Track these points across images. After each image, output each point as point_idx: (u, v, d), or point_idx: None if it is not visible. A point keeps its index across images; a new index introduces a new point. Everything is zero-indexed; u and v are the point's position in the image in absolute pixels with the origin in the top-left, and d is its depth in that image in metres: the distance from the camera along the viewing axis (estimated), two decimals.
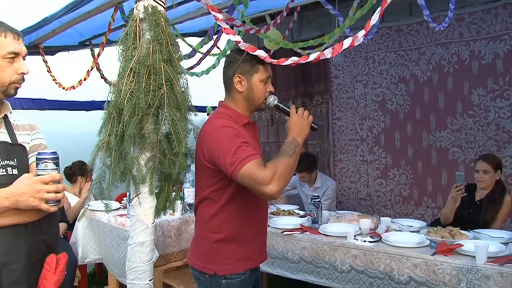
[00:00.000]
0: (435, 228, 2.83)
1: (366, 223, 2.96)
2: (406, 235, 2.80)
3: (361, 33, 1.63)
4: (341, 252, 2.75)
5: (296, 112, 1.90)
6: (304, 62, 1.71)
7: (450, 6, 3.15)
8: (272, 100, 2.00)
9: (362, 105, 5.01)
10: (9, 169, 1.53)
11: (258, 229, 2.09)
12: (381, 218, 3.19)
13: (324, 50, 1.71)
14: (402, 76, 4.65)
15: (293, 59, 1.73)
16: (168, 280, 3.41)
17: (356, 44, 1.65)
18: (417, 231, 2.94)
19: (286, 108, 1.97)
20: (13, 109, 1.70)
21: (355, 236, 2.81)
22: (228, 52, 3.27)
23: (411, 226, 3.05)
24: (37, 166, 1.49)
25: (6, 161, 1.53)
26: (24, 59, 1.60)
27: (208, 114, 5.84)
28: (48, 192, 1.46)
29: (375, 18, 1.62)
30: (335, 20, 4.07)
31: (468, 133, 4.22)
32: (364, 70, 4.97)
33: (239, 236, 1.98)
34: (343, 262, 2.74)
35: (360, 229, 2.95)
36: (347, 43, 1.65)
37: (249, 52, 1.85)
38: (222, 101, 2.06)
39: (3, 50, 1.53)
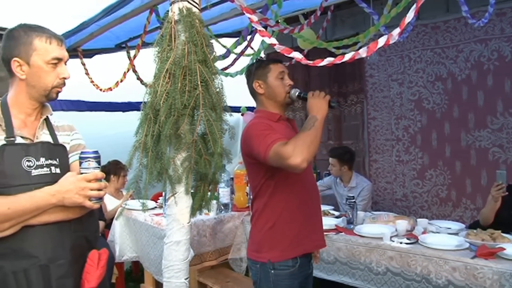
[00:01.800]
0: (474, 231, 2.74)
1: (403, 224, 2.91)
2: (444, 237, 2.74)
3: (396, 31, 1.60)
4: (377, 254, 2.71)
5: (313, 95, 2.07)
6: (339, 62, 1.69)
7: (491, 1, 3.05)
8: (294, 92, 2.20)
9: (397, 104, 4.91)
10: (53, 168, 1.59)
11: (306, 216, 2.18)
12: (418, 220, 3.12)
13: (359, 49, 1.69)
14: (439, 74, 4.53)
15: (329, 60, 1.72)
16: (202, 279, 3.44)
17: (391, 42, 1.62)
18: (456, 233, 2.87)
19: (305, 95, 2.13)
20: (53, 110, 1.76)
21: (391, 237, 2.77)
22: (262, 52, 3.28)
23: (449, 228, 2.98)
24: (80, 165, 1.55)
25: (49, 161, 1.59)
26: (65, 64, 1.65)
27: (242, 115, 5.87)
28: (91, 190, 1.52)
29: (410, 16, 1.58)
30: (369, 18, 4.01)
31: (510, 133, 4.07)
32: (399, 68, 4.87)
33: (287, 223, 2.12)
34: (378, 263, 2.70)
35: (396, 230, 2.90)
36: (382, 41, 1.62)
37: (259, 59, 1.89)
38: (255, 110, 2.31)
39: (47, 56, 1.58)
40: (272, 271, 2.09)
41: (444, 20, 4.45)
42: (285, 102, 2.23)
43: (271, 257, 2.10)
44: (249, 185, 2.31)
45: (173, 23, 1.93)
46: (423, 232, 2.88)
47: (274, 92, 2.21)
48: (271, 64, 2.23)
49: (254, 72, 2.25)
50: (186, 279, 2.00)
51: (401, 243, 2.67)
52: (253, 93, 2.29)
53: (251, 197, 2.30)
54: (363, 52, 1.62)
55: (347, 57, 1.66)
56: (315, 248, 2.29)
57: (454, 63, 4.40)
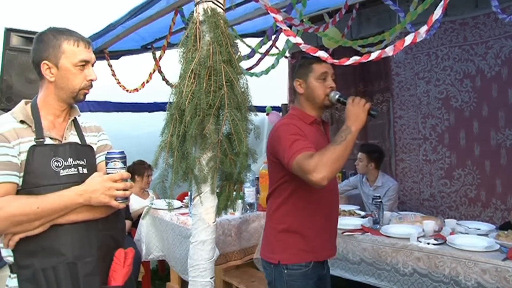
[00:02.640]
0: (505, 232, 2.68)
1: (430, 224, 2.86)
2: (473, 238, 2.68)
3: (423, 28, 1.57)
4: (404, 254, 2.67)
5: (353, 101, 1.93)
6: (365, 61, 1.67)
7: None
8: (333, 95, 2.09)
9: (424, 103, 4.83)
10: (80, 168, 1.62)
11: (323, 224, 2.14)
12: (446, 220, 3.06)
13: (384, 47, 1.67)
14: (467, 71, 4.43)
15: (354, 59, 1.70)
16: (228, 278, 3.45)
17: (418, 40, 1.59)
18: (485, 235, 2.80)
19: (344, 100, 2.02)
20: (81, 111, 1.79)
21: (418, 238, 2.72)
22: (287, 52, 3.27)
23: (479, 229, 2.90)
24: (106, 165, 1.57)
25: (77, 161, 1.62)
26: (92, 66, 1.68)
27: (267, 114, 5.87)
28: (117, 190, 1.54)
29: (438, 13, 1.55)
30: (395, 16, 3.95)
31: None
32: (426, 66, 4.78)
33: (302, 228, 2.08)
34: (405, 264, 2.66)
35: (423, 230, 2.85)
36: (408, 39, 1.59)
37: (304, 56, 1.87)
38: (293, 105, 2.24)
39: (75, 59, 1.61)
40: (285, 271, 2.08)
41: (472, 16, 4.34)
42: (323, 105, 2.14)
43: (281, 259, 2.09)
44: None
45: (198, 23, 1.94)
46: (451, 233, 2.82)
47: (313, 94, 2.13)
48: (314, 64, 2.12)
49: (296, 69, 2.20)
50: (211, 278, 2.01)
51: (428, 243, 2.63)
52: (294, 90, 2.23)
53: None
54: (389, 51, 1.60)
55: (373, 56, 1.64)
56: (326, 257, 2.23)
57: (483, 60, 4.30)
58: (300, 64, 2.19)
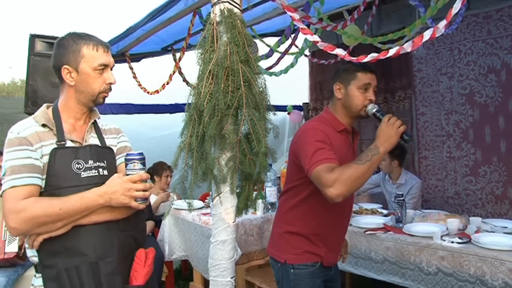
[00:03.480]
0: None
1: (454, 223, 2.81)
2: (499, 237, 2.62)
3: (443, 23, 1.53)
4: (427, 253, 2.63)
5: (388, 121, 1.85)
6: (383, 58, 1.65)
7: None
8: (371, 108, 2.02)
9: (447, 99, 4.74)
10: (100, 170, 1.64)
11: (331, 232, 2.13)
12: (471, 218, 3.00)
13: (404, 43, 1.64)
14: (492, 66, 4.33)
15: (372, 56, 1.68)
16: (250, 278, 3.46)
17: (437, 35, 1.55)
18: None
19: (380, 116, 1.94)
20: (103, 114, 1.82)
21: (442, 236, 2.67)
22: (306, 50, 3.25)
23: (506, 227, 2.83)
24: (125, 166, 1.59)
25: (97, 163, 1.64)
26: (111, 70, 1.70)
27: (288, 113, 5.86)
28: (137, 191, 1.56)
29: (457, 6, 1.51)
30: (416, 11, 3.89)
31: None
32: (449, 62, 4.70)
33: (310, 233, 2.07)
34: (429, 263, 2.62)
35: (447, 229, 2.80)
36: (427, 35, 1.56)
37: (351, 60, 1.83)
38: (327, 107, 2.18)
39: (94, 63, 1.64)
40: (292, 270, 2.07)
41: (497, 9, 4.24)
42: (358, 115, 2.08)
43: (287, 259, 2.08)
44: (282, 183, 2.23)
45: (214, 24, 1.94)
46: (477, 231, 2.76)
47: (350, 102, 2.06)
48: (359, 72, 2.04)
49: (339, 73, 2.12)
50: (232, 278, 2.01)
51: (452, 242, 2.58)
52: (332, 93, 2.15)
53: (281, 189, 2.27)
54: (408, 47, 1.57)
55: (391, 52, 1.62)
56: (330, 264, 2.17)
57: (508, 54, 4.19)
58: (344, 68, 2.10)
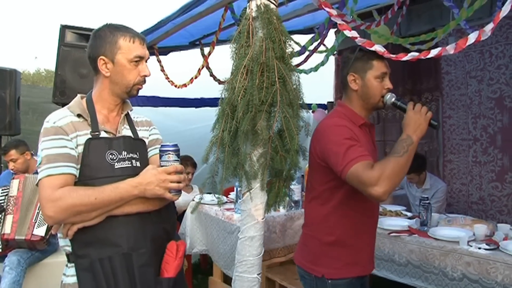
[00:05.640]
0: None
1: (481, 228, 2.76)
2: None
3: (489, 26, 1.50)
4: (453, 258, 2.58)
5: (413, 109, 1.78)
6: (424, 58, 1.62)
7: None
8: (389, 97, 1.92)
9: (476, 102, 4.66)
10: (133, 161, 1.65)
11: (369, 236, 2.04)
12: (499, 225, 2.94)
13: (435, 45, 1.61)
14: None
15: (412, 55, 1.65)
16: (271, 275, 3.45)
17: (483, 38, 1.51)
18: None
19: (403, 105, 1.86)
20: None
21: (468, 242, 2.62)
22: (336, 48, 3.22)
23: None
24: (160, 158, 1.59)
25: (130, 154, 1.65)
26: (146, 62, 1.71)
27: (313, 112, 5.82)
28: (171, 182, 1.56)
29: (506, 9, 1.48)
30: (448, 12, 3.81)
31: None
32: (479, 65, 4.61)
33: (351, 240, 1.93)
34: (454, 269, 2.57)
35: (474, 234, 2.75)
36: (472, 37, 1.52)
37: (362, 48, 1.79)
38: (340, 101, 2.04)
39: (130, 55, 1.65)
40: (329, 281, 1.92)
41: None
42: (376, 106, 1.98)
43: (326, 273, 1.92)
44: (305, 181, 2.11)
45: (250, 19, 1.94)
46: (505, 238, 2.70)
47: (368, 93, 1.93)
48: (375, 60, 1.91)
49: (352, 62, 1.95)
50: (258, 274, 2.01)
51: (479, 248, 2.53)
52: (345, 85, 2.00)
53: (304, 194, 2.13)
54: (450, 49, 1.54)
55: (433, 53, 1.59)
56: (368, 272, 2.06)
57: None
58: (357, 57, 1.94)
